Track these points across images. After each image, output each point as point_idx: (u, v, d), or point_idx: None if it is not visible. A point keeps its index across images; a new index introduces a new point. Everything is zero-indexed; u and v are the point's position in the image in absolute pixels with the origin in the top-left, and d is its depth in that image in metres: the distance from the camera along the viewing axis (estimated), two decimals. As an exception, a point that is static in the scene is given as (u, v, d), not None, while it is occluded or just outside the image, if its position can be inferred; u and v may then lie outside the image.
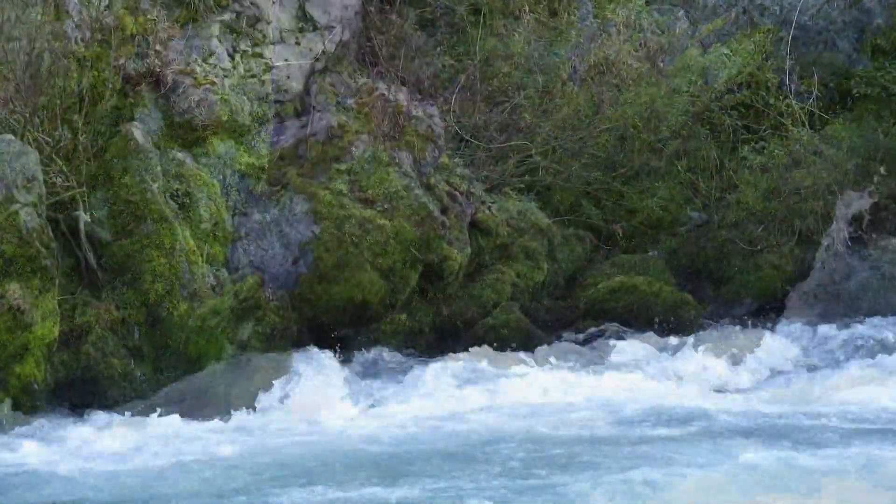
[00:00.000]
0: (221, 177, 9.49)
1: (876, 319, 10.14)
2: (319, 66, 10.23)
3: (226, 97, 9.65)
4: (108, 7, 9.33)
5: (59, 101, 8.90)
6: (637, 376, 8.98)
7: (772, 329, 10.05)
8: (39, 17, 9.05)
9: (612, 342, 9.64)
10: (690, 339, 9.68)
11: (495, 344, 9.47)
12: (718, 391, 8.87)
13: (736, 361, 9.38)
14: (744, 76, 11.56)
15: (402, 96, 10.18)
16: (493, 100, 11.12)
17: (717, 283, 10.64)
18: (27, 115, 8.74)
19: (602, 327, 9.84)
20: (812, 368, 9.41)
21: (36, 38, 8.96)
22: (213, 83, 9.62)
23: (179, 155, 9.34)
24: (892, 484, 6.10)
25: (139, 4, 9.48)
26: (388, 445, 7.42)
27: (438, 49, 11.29)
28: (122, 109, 9.39)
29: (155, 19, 9.56)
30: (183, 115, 9.50)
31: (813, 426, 7.58)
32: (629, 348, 9.57)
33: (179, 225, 8.93)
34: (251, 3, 10.07)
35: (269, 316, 8.71)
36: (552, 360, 9.28)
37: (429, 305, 9.78)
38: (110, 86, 9.23)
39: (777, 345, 9.73)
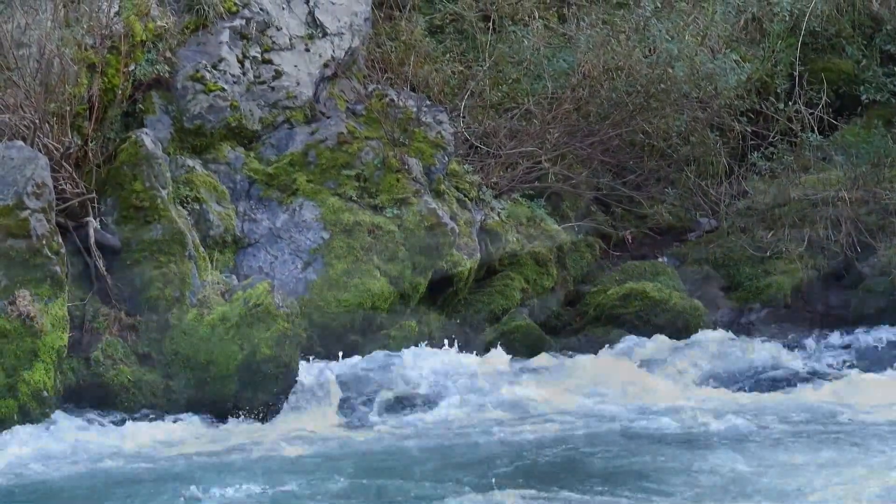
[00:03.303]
0: (231, 183, 9.49)
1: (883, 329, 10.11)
2: (329, 72, 10.23)
3: (235, 103, 9.65)
4: (118, 13, 9.34)
5: (68, 108, 8.89)
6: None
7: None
8: (49, 23, 9.04)
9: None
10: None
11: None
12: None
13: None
14: (753, 82, 11.55)
15: (412, 102, 10.17)
16: (503, 106, 11.12)
17: (726, 289, 10.61)
18: (37, 120, 8.73)
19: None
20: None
21: (46, 43, 8.96)
22: (223, 89, 9.62)
23: (189, 161, 9.34)
24: None
25: (149, 10, 9.49)
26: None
27: (448, 55, 11.29)
28: (132, 115, 9.41)
29: (165, 25, 9.57)
30: (192, 122, 9.50)
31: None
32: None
33: (189, 231, 8.93)
34: (261, 10, 10.07)
35: (278, 322, 8.68)
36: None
37: (438, 312, 9.76)
38: (120, 92, 9.23)
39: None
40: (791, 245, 10.55)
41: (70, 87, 8.93)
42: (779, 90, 11.71)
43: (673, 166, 11.21)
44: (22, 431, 7.77)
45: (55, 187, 8.52)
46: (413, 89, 10.65)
